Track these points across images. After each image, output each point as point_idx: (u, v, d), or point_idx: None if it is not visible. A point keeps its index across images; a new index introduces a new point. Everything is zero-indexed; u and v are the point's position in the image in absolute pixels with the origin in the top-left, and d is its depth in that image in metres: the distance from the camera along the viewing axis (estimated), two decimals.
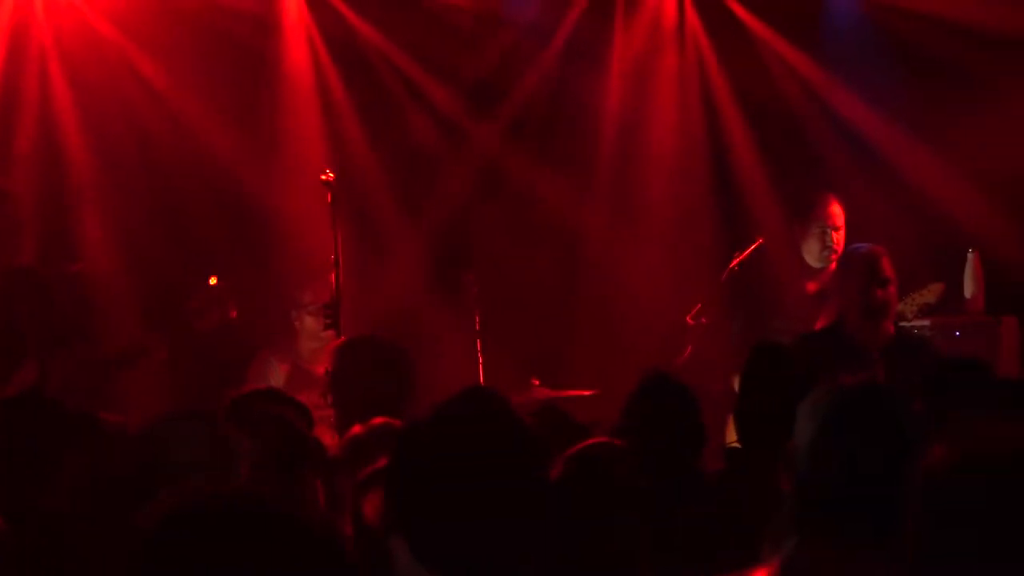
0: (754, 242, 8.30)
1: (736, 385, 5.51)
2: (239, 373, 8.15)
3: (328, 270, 7.48)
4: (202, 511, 2.23)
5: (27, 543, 3.85)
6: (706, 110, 9.63)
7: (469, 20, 9.47)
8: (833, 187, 8.56)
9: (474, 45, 9.52)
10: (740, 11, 9.54)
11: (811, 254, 8.33)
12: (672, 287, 9.03)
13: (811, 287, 8.33)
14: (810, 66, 9.49)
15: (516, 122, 9.61)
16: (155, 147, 9.11)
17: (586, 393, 7.92)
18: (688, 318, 8.33)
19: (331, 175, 7.51)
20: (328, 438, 5.65)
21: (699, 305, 8.34)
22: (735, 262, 8.21)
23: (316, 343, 8.01)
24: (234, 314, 7.29)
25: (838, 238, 8.26)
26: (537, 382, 8.02)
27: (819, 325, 7.88)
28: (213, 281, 7.25)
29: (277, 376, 8.20)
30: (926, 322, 8.01)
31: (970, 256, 8.49)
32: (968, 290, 8.45)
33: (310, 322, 8.19)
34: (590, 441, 4.16)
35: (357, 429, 5.02)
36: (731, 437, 5.56)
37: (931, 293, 7.77)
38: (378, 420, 5.02)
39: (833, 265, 8.16)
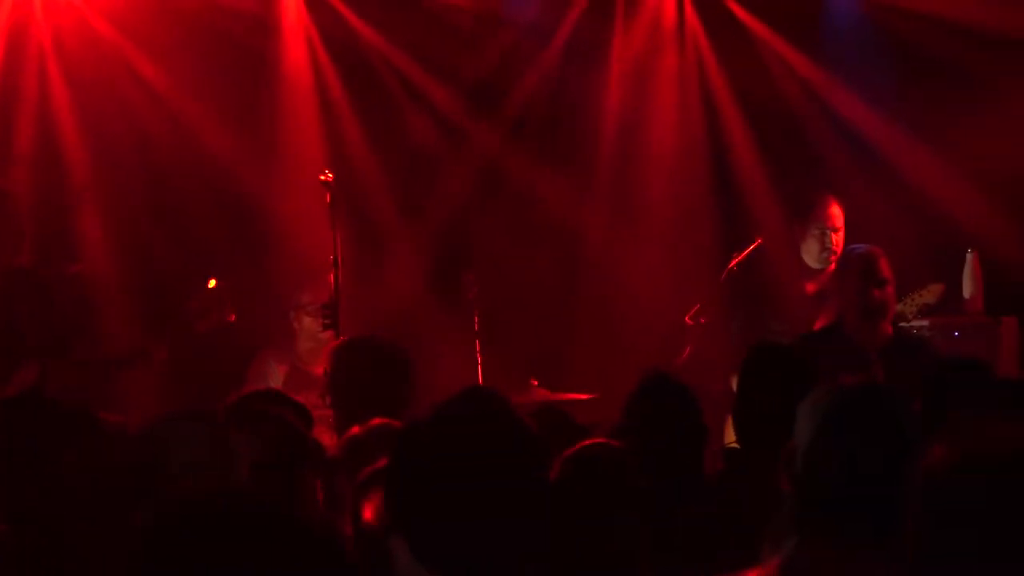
0: (753, 242, 8.30)
1: (735, 385, 5.50)
2: (238, 375, 8.15)
3: (327, 270, 7.48)
4: (202, 511, 2.23)
5: (27, 543, 3.85)
6: (706, 110, 9.62)
7: (469, 20, 9.46)
8: (833, 187, 8.56)
9: (474, 45, 9.52)
10: (740, 11, 9.54)
11: (810, 255, 8.33)
12: (672, 287, 9.03)
13: (810, 288, 8.33)
14: (810, 66, 9.48)
15: (516, 122, 9.61)
16: (154, 147, 9.11)
17: (584, 397, 7.92)
18: (687, 318, 8.32)
19: (330, 175, 7.50)
20: (327, 438, 5.64)
21: (698, 305, 8.33)
22: (734, 262, 8.20)
23: (315, 343, 8.01)
24: (233, 317, 7.29)
25: (837, 240, 8.26)
26: (536, 382, 8.01)
27: (818, 326, 7.88)
28: (212, 283, 7.25)
29: (276, 376, 8.20)
30: (925, 322, 8.01)
31: (969, 256, 8.49)
32: (967, 290, 8.45)
33: (309, 322, 8.19)
34: (588, 441, 4.16)
35: (356, 430, 5.01)
36: (730, 438, 5.56)
37: (931, 294, 7.77)
38: (377, 421, 5.01)
39: (832, 266, 8.16)
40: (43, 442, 4.09)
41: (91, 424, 4.15)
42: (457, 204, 9.49)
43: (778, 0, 9.54)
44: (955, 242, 8.66)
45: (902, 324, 7.62)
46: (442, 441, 2.80)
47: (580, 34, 9.56)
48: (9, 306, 6.97)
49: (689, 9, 9.63)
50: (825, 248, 8.26)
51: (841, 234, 8.28)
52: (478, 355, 8.02)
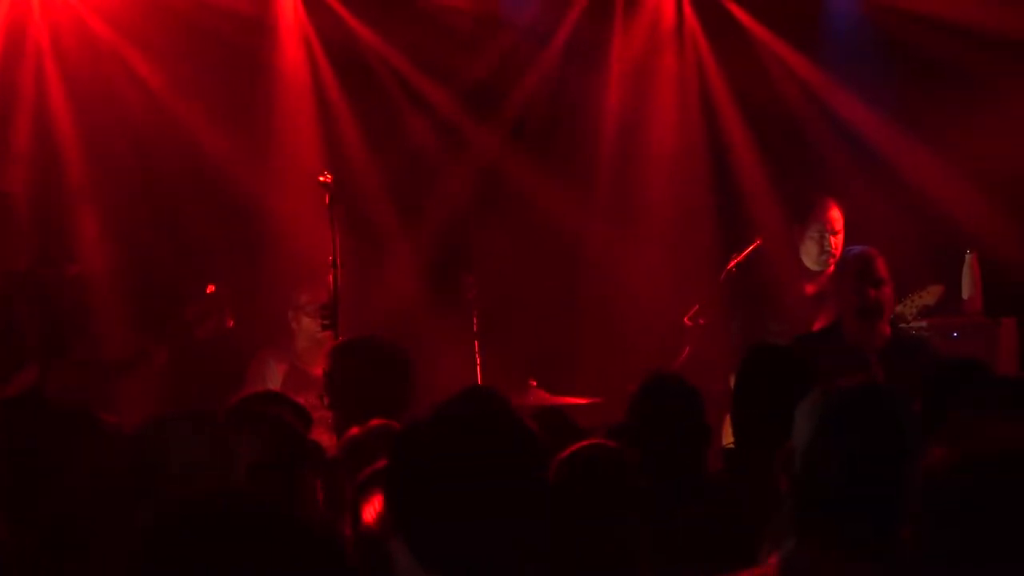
0: (753, 243, 8.30)
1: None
2: (238, 376, 8.16)
3: (326, 271, 7.48)
4: (202, 512, 2.23)
5: (27, 543, 3.85)
6: (705, 111, 9.62)
7: (468, 21, 9.46)
8: (832, 188, 8.56)
9: (473, 46, 9.52)
10: (739, 12, 9.54)
11: (809, 257, 8.33)
12: (671, 288, 9.03)
13: (810, 289, 8.33)
14: (809, 67, 9.48)
15: (515, 123, 9.60)
16: (152, 149, 9.11)
17: (585, 402, 7.92)
18: (686, 319, 8.32)
19: (329, 176, 7.50)
20: (326, 439, 5.65)
21: (697, 306, 8.33)
22: (733, 263, 8.20)
23: (314, 343, 8.02)
24: (232, 322, 7.30)
25: (836, 242, 8.25)
26: (535, 383, 8.01)
27: (817, 327, 7.89)
28: (211, 289, 7.26)
29: (275, 376, 8.20)
30: (924, 323, 8.00)
31: (968, 257, 8.49)
32: (966, 291, 8.45)
33: (307, 323, 8.20)
34: (587, 442, 4.16)
35: (355, 430, 5.01)
36: (729, 438, 5.56)
37: (930, 295, 7.77)
38: (376, 421, 5.01)
39: (831, 268, 8.16)
40: (43, 442, 4.10)
41: (91, 424, 4.15)
42: (456, 205, 9.49)
43: (777, 1, 9.54)
44: (955, 243, 8.66)
45: (901, 325, 7.62)
46: (442, 441, 2.80)
47: (579, 35, 9.55)
48: (9, 307, 6.97)
49: (688, 10, 9.63)
50: (824, 251, 8.26)
51: (840, 237, 8.28)
52: (477, 356, 8.02)
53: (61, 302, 7.18)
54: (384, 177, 9.41)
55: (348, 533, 3.99)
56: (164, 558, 2.18)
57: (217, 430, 3.89)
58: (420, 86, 9.48)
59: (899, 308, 7.59)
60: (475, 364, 8.00)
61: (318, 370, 6.32)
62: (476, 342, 8.05)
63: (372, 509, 3.84)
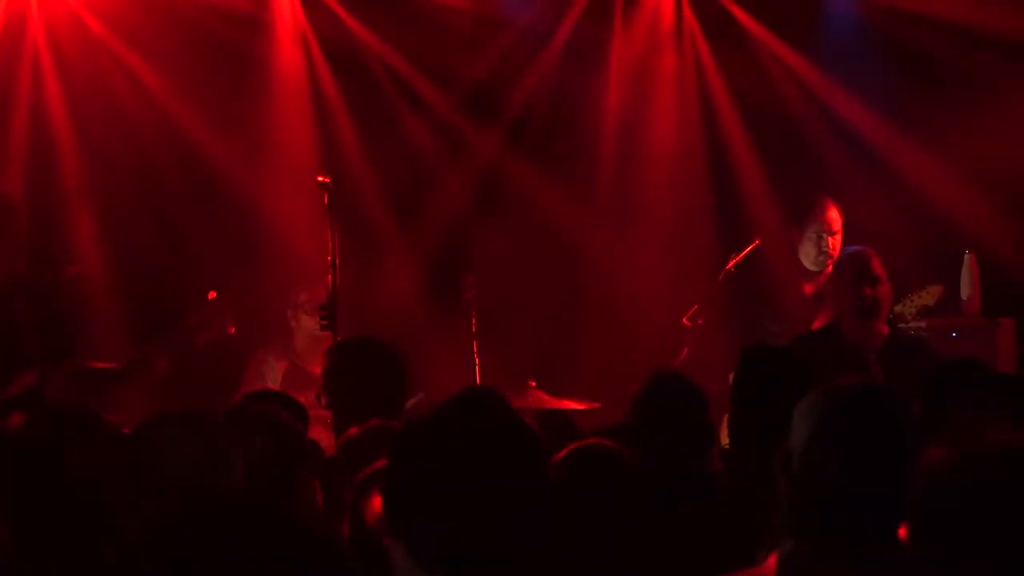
0: (752, 243, 8.30)
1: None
2: (237, 380, 8.16)
3: (325, 271, 7.48)
4: (201, 514, 2.23)
5: (27, 543, 3.85)
6: (704, 111, 9.62)
7: (467, 22, 9.46)
8: (831, 189, 8.56)
9: (473, 47, 9.52)
10: (738, 12, 9.53)
11: (807, 258, 8.33)
12: (671, 288, 9.03)
13: (808, 289, 8.33)
14: (808, 67, 9.48)
15: (515, 123, 9.60)
16: (150, 150, 9.11)
17: (582, 407, 7.92)
18: (685, 319, 8.32)
19: (327, 176, 7.50)
20: (325, 438, 5.64)
21: (696, 306, 8.33)
22: (732, 263, 8.20)
23: (313, 342, 8.02)
24: (233, 329, 7.30)
25: (834, 243, 8.26)
26: (534, 383, 8.01)
27: (816, 327, 7.89)
28: (213, 295, 7.27)
29: (274, 374, 8.21)
30: (923, 324, 8.00)
31: (967, 257, 8.50)
32: (965, 292, 8.45)
33: (306, 321, 8.21)
34: (586, 441, 4.16)
35: (354, 430, 5.01)
36: (727, 438, 5.56)
37: (930, 295, 7.77)
38: (375, 421, 5.01)
39: (830, 268, 8.17)
40: (43, 442, 4.10)
41: (91, 424, 4.15)
42: (456, 205, 9.49)
43: (776, 1, 9.53)
44: (954, 243, 8.66)
45: (901, 325, 7.62)
46: (441, 441, 2.79)
47: (579, 35, 9.55)
48: (9, 309, 6.96)
49: (687, 10, 9.62)
50: (822, 252, 8.27)
51: (838, 237, 8.28)
52: (476, 356, 8.02)
53: (61, 303, 7.17)
54: (383, 177, 9.41)
55: (347, 533, 3.99)
56: (164, 559, 2.18)
57: (214, 431, 3.89)
58: (419, 86, 9.48)
59: (899, 308, 7.59)
60: (474, 364, 8.00)
61: (318, 368, 6.32)
62: (475, 342, 8.05)
63: (371, 509, 3.84)
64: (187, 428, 3.82)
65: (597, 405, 7.91)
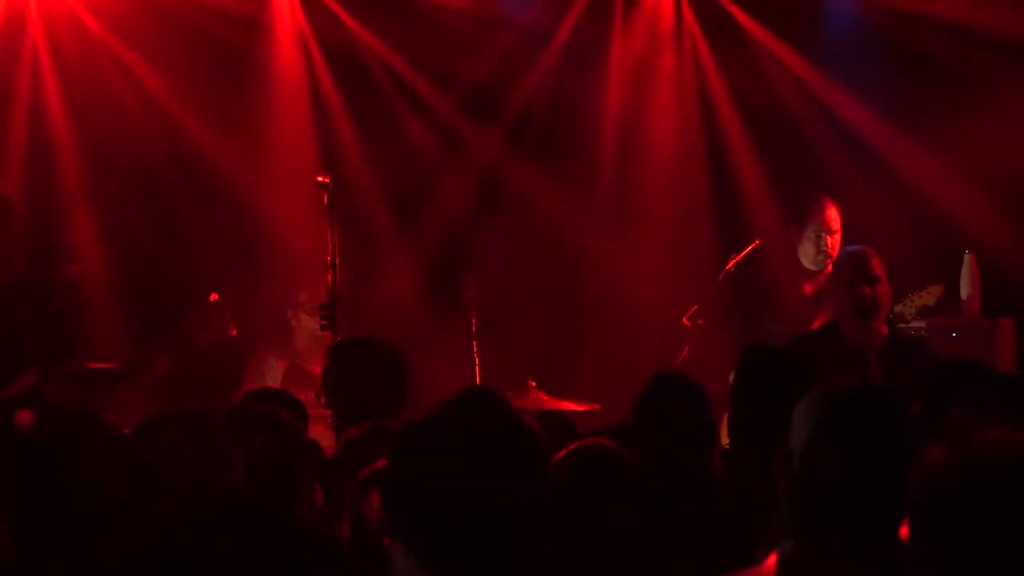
0: (751, 243, 8.30)
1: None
2: (238, 380, 8.16)
3: (324, 271, 7.48)
4: (201, 514, 2.22)
5: (27, 543, 3.85)
6: (704, 111, 9.62)
7: (467, 22, 9.46)
8: (830, 189, 8.56)
9: (472, 47, 9.51)
10: (737, 12, 9.53)
11: (806, 257, 8.34)
12: (671, 288, 9.02)
13: (808, 289, 8.33)
14: (807, 67, 9.48)
15: (515, 124, 9.60)
16: (149, 151, 9.11)
17: (582, 408, 7.92)
18: (685, 319, 8.32)
19: (327, 177, 7.50)
20: (323, 437, 5.64)
21: (696, 306, 8.33)
22: (731, 263, 8.20)
23: (313, 341, 8.02)
24: (234, 331, 7.30)
25: (833, 242, 8.26)
26: (534, 383, 8.01)
27: (816, 327, 7.90)
28: (215, 297, 7.27)
29: (275, 374, 8.22)
30: (922, 324, 8.00)
31: (966, 257, 8.49)
32: (964, 292, 8.45)
33: (307, 320, 8.21)
34: (585, 441, 4.16)
35: (354, 430, 5.01)
36: (726, 438, 5.56)
37: (930, 295, 7.77)
38: (374, 421, 5.01)
39: (829, 268, 8.17)
40: (43, 442, 4.10)
41: (91, 424, 4.15)
42: (456, 205, 9.49)
43: (776, 1, 9.53)
44: (954, 243, 8.66)
45: (901, 325, 7.62)
46: (441, 441, 2.79)
47: (579, 35, 9.55)
48: (9, 309, 6.96)
49: (687, 10, 9.62)
50: (820, 251, 8.27)
51: (837, 237, 8.28)
52: (476, 356, 8.02)
53: (61, 303, 7.17)
54: (383, 177, 9.41)
55: (347, 533, 3.99)
56: (164, 559, 2.18)
57: (214, 431, 3.89)
58: (419, 86, 9.48)
59: (899, 308, 7.59)
60: (474, 364, 8.00)
61: (318, 368, 6.33)
62: (475, 342, 8.05)
63: (371, 509, 3.84)
64: (187, 428, 3.82)
65: (597, 407, 7.91)
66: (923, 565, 2.60)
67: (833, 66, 9.44)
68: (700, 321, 8.27)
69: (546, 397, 7.92)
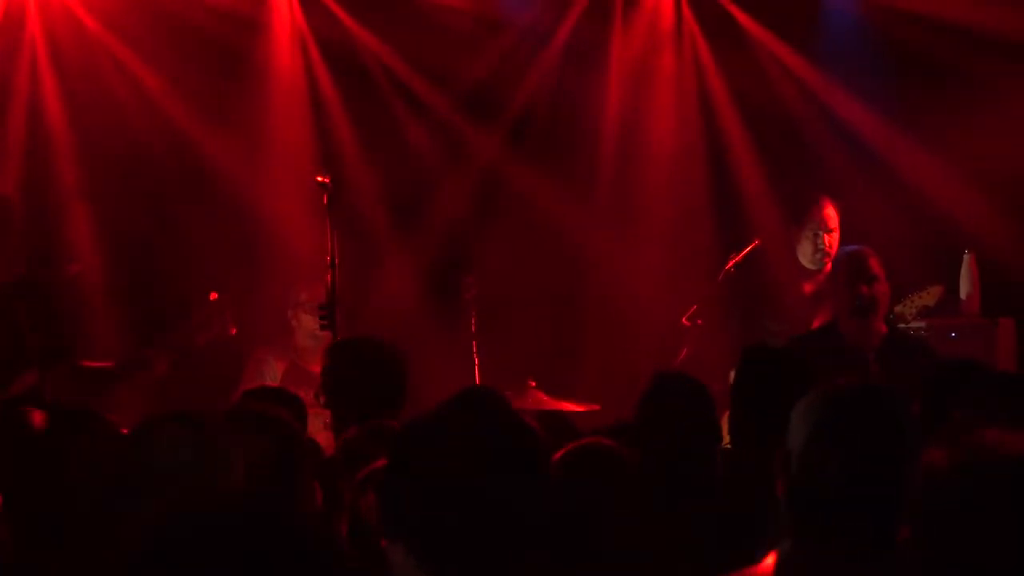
0: (751, 243, 8.30)
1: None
2: (237, 380, 8.16)
3: (324, 271, 7.48)
4: (200, 514, 2.22)
5: (27, 543, 3.85)
6: (704, 111, 9.62)
7: (467, 22, 9.46)
8: (830, 189, 8.56)
9: (472, 47, 9.51)
10: (737, 13, 9.53)
11: (805, 256, 8.34)
12: (670, 288, 9.03)
13: (808, 288, 8.33)
14: (807, 67, 9.48)
15: (515, 124, 9.60)
16: (148, 151, 9.11)
17: (581, 408, 7.92)
18: (684, 319, 8.32)
19: (326, 177, 7.50)
20: (322, 437, 5.65)
21: (695, 306, 8.33)
22: (731, 263, 8.21)
23: (313, 341, 8.02)
24: (234, 330, 7.30)
25: (831, 241, 8.26)
26: (534, 384, 8.01)
27: (815, 326, 7.90)
28: (215, 297, 7.27)
29: (274, 374, 8.22)
30: (922, 324, 8.00)
31: (966, 257, 8.49)
32: (964, 292, 8.45)
33: (307, 320, 8.21)
34: (585, 440, 4.16)
35: (353, 430, 5.01)
36: (726, 438, 5.56)
37: (930, 295, 7.77)
38: (374, 421, 5.01)
39: (828, 267, 8.17)
40: (43, 442, 4.10)
41: (91, 423, 4.15)
42: (456, 205, 9.49)
43: (776, 1, 9.53)
44: (954, 243, 8.66)
45: (901, 325, 7.63)
46: (440, 441, 2.79)
47: (579, 35, 9.55)
48: (9, 309, 6.96)
49: (687, 10, 9.62)
50: (818, 249, 8.28)
51: (836, 235, 8.29)
52: (476, 356, 8.02)
53: (61, 303, 7.17)
54: (383, 177, 9.41)
55: (346, 533, 3.99)
56: (164, 559, 2.18)
57: (214, 431, 3.89)
58: (419, 86, 9.48)
59: (899, 308, 7.59)
60: (474, 364, 8.00)
61: (317, 368, 6.33)
62: (475, 342, 8.05)
63: (370, 509, 3.83)
64: (187, 428, 3.81)
65: (597, 407, 7.91)
66: (923, 565, 2.60)
67: (833, 66, 9.44)
68: (700, 321, 8.27)
69: (546, 397, 7.92)
